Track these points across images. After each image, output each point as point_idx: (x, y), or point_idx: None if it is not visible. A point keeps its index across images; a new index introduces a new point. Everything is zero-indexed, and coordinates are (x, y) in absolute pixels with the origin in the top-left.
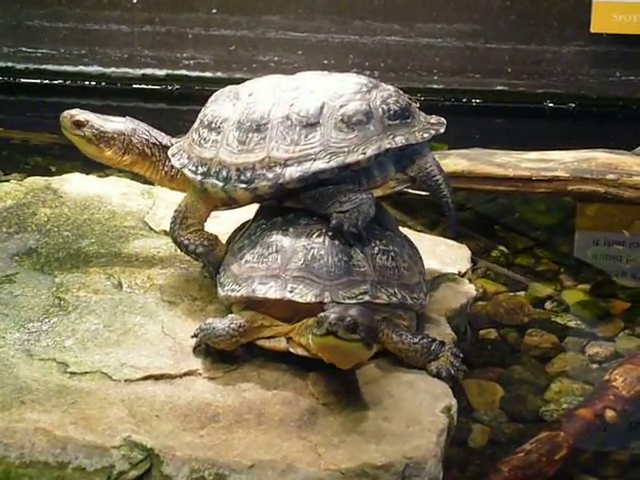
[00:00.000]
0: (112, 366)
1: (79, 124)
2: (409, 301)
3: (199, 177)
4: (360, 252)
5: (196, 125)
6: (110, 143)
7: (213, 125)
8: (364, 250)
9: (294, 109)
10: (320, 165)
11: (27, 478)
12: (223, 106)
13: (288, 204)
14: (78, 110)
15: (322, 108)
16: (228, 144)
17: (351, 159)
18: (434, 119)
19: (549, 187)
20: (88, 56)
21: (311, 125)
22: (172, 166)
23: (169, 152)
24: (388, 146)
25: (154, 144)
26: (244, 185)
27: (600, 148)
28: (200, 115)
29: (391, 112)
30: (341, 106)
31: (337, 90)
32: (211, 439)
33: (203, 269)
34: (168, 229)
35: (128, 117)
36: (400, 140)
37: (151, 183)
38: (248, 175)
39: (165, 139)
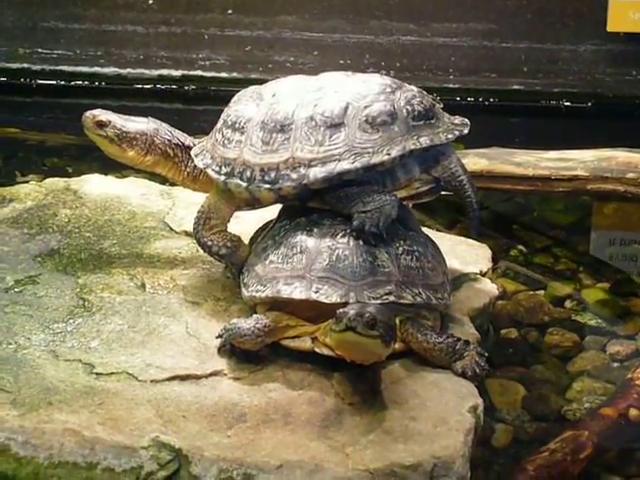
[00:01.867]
0: (138, 367)
1: (101, 124)
2: (434, 301)
3: (222, 177)
4: (384, 252)
5: (219, 125)
6: (132, 143)
7: (237, 125)
8: (388, 250)
9: (318, 110)
10: (345, 166)
11: (56, 479)
12: (247, 106)
13: (312, 204)
14: (100, 110)
15: (346, 109)
16: (252, 144)
17: (376, 160)
18: (458, 120)
19: (569, 186)
20: (104, 57)
21: (335, 126)
22: (195, 167)
23: (192, 152)
24: (412, 147)
25: (176, 144)
26: (268, 185)
27: (617, 147)
28: (223, 115)
29: (415, 113)
30: (365, 107)
31: (361, 91)
32: (239, 439)
33: (226, 270)
34: (192, 230)
35: (150, 117)
36: (424, 141)
37: (171, 183)
38: (272, 175)
39: (188, 140)
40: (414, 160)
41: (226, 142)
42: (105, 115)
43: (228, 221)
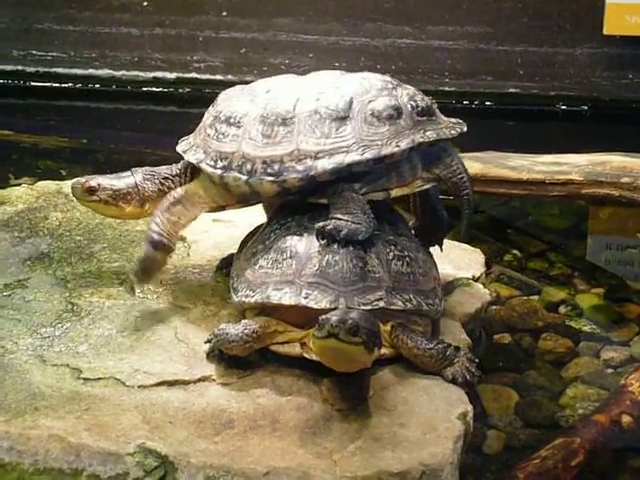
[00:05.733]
0: (125, 372)
1: (92, 190)
2: (425, 307)
3: (219, 171)
4: (375, 258)
5: (209, 121)
6: (127, 199)
7: (232, 120)
8: (379, 256)
9: (322, 103)
10: (354, 157)
11: None
12: (240, 102)
13: (312, 200)
14: (85, 177)
15: (351, 103)
16: (251, 138)
17: (386, 151)
18: (454, 119)
19: (563, 190)
20: (98, 59)
21: (341, 119)
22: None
23: (179, 149)
24: (421, 140)
25: (165, 178)
26: (271, 178)
27: (613, 151)
28: (212, 112)
29: (419, 109)
30: (370, 101)
31: (363, 86)
32: (226, 446)
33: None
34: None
35: (132, 169)
36: (431, 135)
37: None
38: (276, 168)
39: (173, 168)
40: (418, 157)
41: (220, 137)
42: (93, 180)
43: (191, 219)
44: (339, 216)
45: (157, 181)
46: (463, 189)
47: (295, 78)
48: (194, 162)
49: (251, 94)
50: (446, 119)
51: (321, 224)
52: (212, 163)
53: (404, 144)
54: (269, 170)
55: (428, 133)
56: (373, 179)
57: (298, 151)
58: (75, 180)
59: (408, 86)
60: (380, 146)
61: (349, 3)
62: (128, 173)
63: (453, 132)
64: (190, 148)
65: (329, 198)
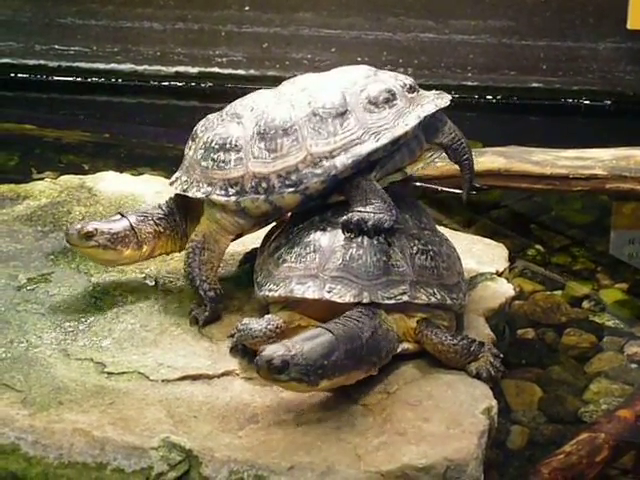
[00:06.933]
0: (149, 366)
1: (89, 235)
2: (448, 301)
3: (233, 198)
4: (399, 252)
5: (200, 154)
6: (125, 241)
7: (228, 146)
8: (403, 250)
9: (316, 105)
10: (371, 145)
11: (65, 479)
12: (226, 127)
13: (331, 200)
14: (80, 223)
15: (344, 96)
16: (256, 157)
17: (399, 132)
18: (435, 91)
19: (587, 185)
20: (121, 54)
21: (341, 114)
22: (186, 226)
23: (177, 191)
24: (423, 114)
25: (160, 218)
26: (292, 189)
27: (637, 145)
28: (198, 145)
29: (407, 87)
30: (361, 90)
31: (347, 79)
32: (250, 440)
33: (198, 310)
34: (184, 261)
35: (120, 212)
36: (430, 107)
37: None
38: (294, 178)
39: (163, 208)
40: (421, 131)
41: (222, 164)
42: (89, 225)
43: (222, 255)
44: (361, 209)
45: (152, 222)
46: (463, 154)
47: (271, 91)
48: (202, 196)
49: (233, 117)
50: (429, 92)
51: (345, 218)
52: (223, 192)
53: (412, 121)
54: (287, 182)
55: (426, 106)
56: (386, 163)
57: (311, 156)
58: (69, 227)
59: (385, 70)
60: (390, 129)
61: None
62: (119, 217)
63: (446, 101)
64: (190, 185)
65: (347, 193)
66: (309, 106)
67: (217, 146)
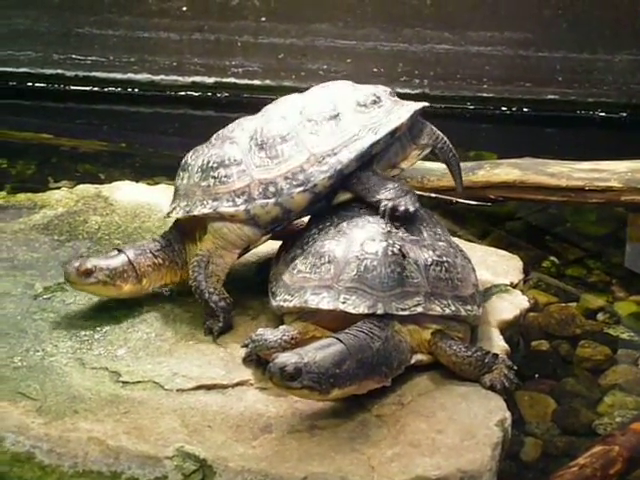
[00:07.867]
0: (164, 376)
1: (88, 272)
2: (463, 313)
3: (242, 206)
4: (413, 263)
5: (198, 177)
6: (124, 277)
7: (227, 162)
8: (417, 261)
9: (309, 112)
10: (372, 138)
11: None
12: (222, 148)
13: (338, 200)
14: (78, 261)
15: (334, 102)
16: (258, 165)
17: (395, 124)
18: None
19: (602, 197)
20: (137, 64)
21: (334, 117)
22: (187, 254)
23: (177, 216)
24: (414, 108)
25: (158, 250)
26: (300, 188)
27: None
28: (194, 169)
29: (388, 92)
30: (348, 97)
31: (333, 91)
32: (264, 450)
33: (211, 321)
34: (190, 275)
35: (117, 247)
36: (414, 106)
37: None
38: (301, 177)
39: (160, 240)
40: (407, 132)
41: (224, 179)
42: (87, 262)
43: (227, 269)
44: (381, 197)
45: (150, 254)
46: (448, 152)
47: (255, 115)
48: (209, 212)
49: (225, 139)
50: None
51: (381, 209)
52: (230, 204)
53: (405, 113)
54: (295, 182)
55: (411, 106)
56: (382, 158)
57: (314, 156)
58: (67, 265)
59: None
60: (384, 124)
61: (387, 8)
62: (115, 252)
63: (424, 103)
64: (194, 206)
65: (356, 189)
66: (301, 115)
67: (215, 164)
